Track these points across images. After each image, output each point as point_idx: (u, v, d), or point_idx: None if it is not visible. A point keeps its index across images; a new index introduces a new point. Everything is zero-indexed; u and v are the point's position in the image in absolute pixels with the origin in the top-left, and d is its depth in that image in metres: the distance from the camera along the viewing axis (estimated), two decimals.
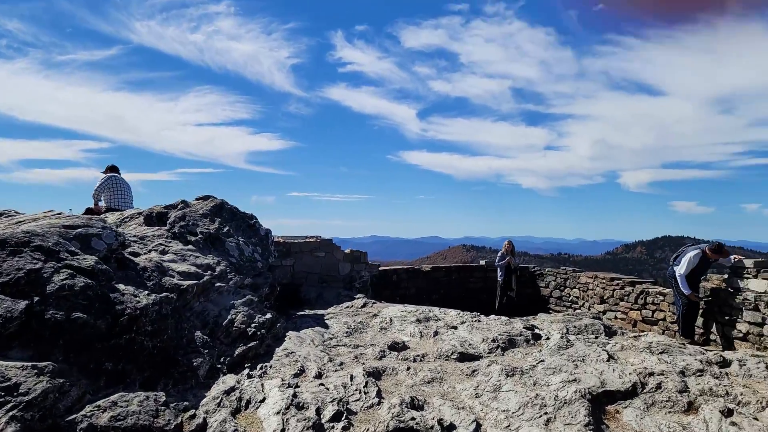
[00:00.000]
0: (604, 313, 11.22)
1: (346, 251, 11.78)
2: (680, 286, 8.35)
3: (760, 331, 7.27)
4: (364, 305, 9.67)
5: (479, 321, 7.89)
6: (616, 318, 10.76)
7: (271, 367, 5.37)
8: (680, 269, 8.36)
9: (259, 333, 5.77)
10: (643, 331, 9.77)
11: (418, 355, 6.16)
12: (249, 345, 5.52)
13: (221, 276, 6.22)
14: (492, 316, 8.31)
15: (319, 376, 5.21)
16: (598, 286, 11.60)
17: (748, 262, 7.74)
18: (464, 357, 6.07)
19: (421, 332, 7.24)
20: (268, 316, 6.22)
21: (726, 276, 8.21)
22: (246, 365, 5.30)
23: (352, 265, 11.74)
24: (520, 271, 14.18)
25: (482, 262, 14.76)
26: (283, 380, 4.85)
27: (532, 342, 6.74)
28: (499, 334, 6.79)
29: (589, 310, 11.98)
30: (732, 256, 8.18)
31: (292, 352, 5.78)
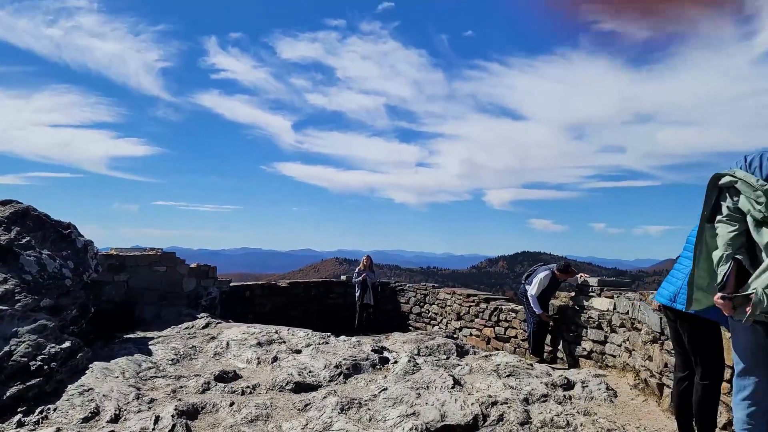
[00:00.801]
0: (460, 329, 11.11)
1: (191, 265, 10.71)
2: (532, 305, 8.32)
3: (602, 349, 7.33)
4: (206, 326, 8.74)
5: (327, 343, 7.29)
6: (471, 335, 10.66)
7: (55, 410, 4.36)
8: (531, 290, 8.34)
9: (47, 367, 4.73)
10: (496, 349, 9.71)
11: (249, 386, 5.41)
12: (29, 383, 4.47)
13: (3, 298, 5.08)
14: (342, 338, 7.75)
15: (115, 419, 4.29)
16: (455, 302, 11.49)
17: (593, 281, 7.83)
18: (301, 387, 5.42)
19: (259, 358, 6.50)
20: (66, 344, 5.18)
21: (573, 294, 8.29)
22: (19, 409, 4.25)
23: (198, 281, 10.69)
24: (381, 287, 13.84)
25: (343, 278, 14.26)
26: (59, 429, 3.90)
27: (378, 366, 6.24)
28: (344, 359, 6.22)
29: (446, 326, 11.84)
30: (578, 275, 8.29)
31: (90, 389, 4.79)
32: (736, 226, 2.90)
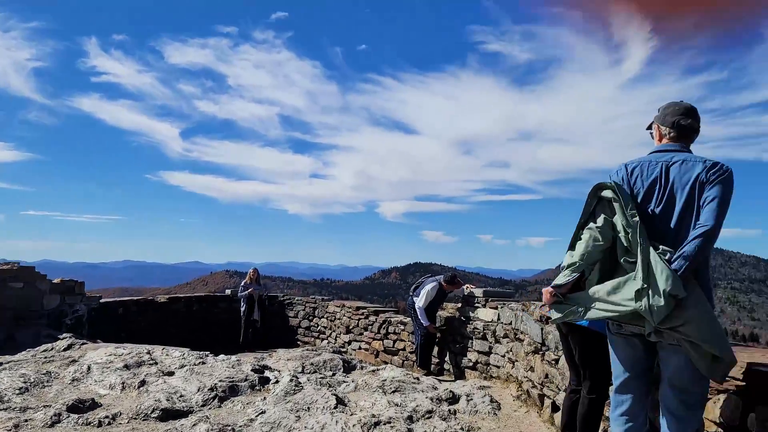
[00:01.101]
0: (349, 343, 10.88)
1: (55, 280, 9.71)
2: (419, 317, 8.26)
3: (486, 359, 7.38)
4: (68, 347, 7.92)
5: (204, 363, 6.78)
6: (360, 348, 10.46)
7: None
8: (419, 302, 8.28)
9: None
10: (385, 362, 9.57)
11: (108, 416, 4.84)
12: None
13: None
14: (221, 357, 7.25)
15: None
16: (345, 315, 11.26)
17: (478, 292, 7.89)
18: (169, 414, 4.92)
19: (124, 382, 5.89)
20: None
21: (460, 305, 8.32)
22: None
23: (62, 298, 9.70)
24: (269, 301, 13.34)
25: (228, 291, 13.59)
26: None
27: (258, 387, 5.85)
28: (221, 381, 5.77)
29: (336, 340, 11.58)
30: (465, 286, 8.34)
31: None
32: (601, 243, 2.88)
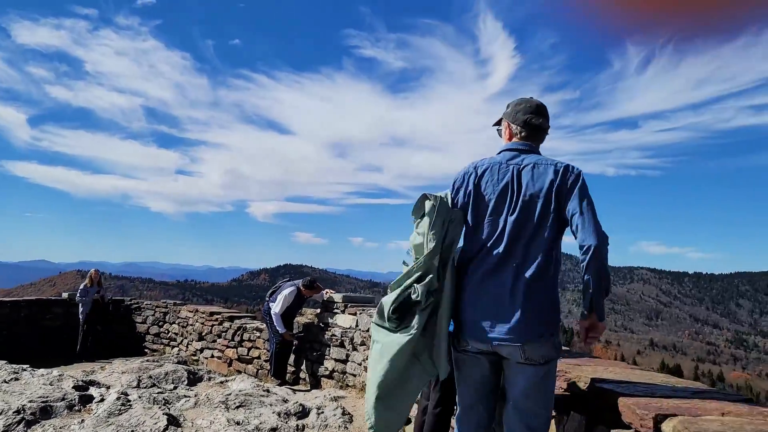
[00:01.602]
0: (201, 350, 10.11)
1: None
2: (275, 324, 7.77)
3: (343, 368, 7.07)
4: None
5: (17, 379, 5.83)
6: (213, 357, 9.74)
7: None
8: (275, 307, 7.80)
9: None
10: (238, 371, 8.97)
11: None
12: None
13: None
14: (41, 371, 6.30)
15: None
16: (198, 321, 10.46)
17: (338, 297, 7.58)
18: None
19: None
20: None
21: (318, 311, 7.96)
22: None
23: None
24: (113, 305, 12.14)
25: (65, 295, 12.15)
26: None
27: (77, 408, 5.07)
28: (32, 401, 4.93)
29: (187, 347, 10.73)
30: (324, 291, 8.00)
31: None
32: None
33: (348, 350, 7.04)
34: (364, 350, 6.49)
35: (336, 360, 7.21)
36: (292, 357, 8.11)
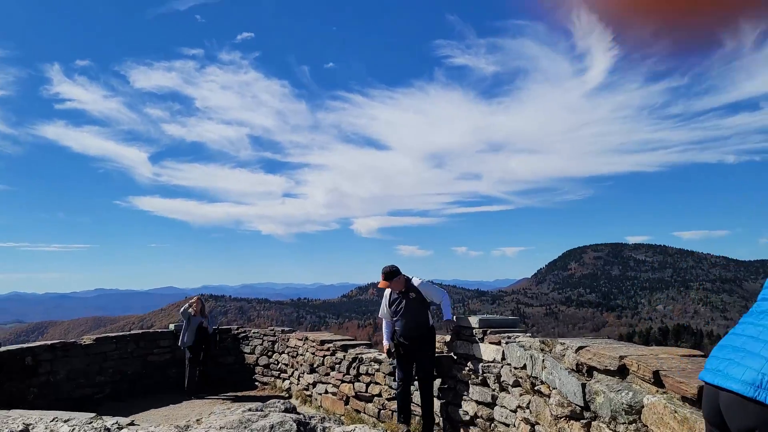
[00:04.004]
0: (314, 385, 8.93)
1: None
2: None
3: (489, 413, 5.50)
4: None
5: None
6: (327, 392, 8.51)
7: None
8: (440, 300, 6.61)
9: None
10: (357, 411, 7.66)
11: None
12: None
13: None
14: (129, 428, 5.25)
15: None
16: (308, 351, 9.31)
17: (473, 321, 6.03)
18: None
19: None
20: None
21: (448, 338, 6.46)
22: None
23: None
24: (220, 336, 11.32)
25: (171, 327, 11.48)
26: None
27: None
28: None
29: (299, 381, 9.61)
30: (451, 317, 6.43)
31: None
32: None
33: (494, 390, 5.46)
34: (521, 394, 4.88)
35: (478, 403, 5.66)
36: (416, 393, 6.62)
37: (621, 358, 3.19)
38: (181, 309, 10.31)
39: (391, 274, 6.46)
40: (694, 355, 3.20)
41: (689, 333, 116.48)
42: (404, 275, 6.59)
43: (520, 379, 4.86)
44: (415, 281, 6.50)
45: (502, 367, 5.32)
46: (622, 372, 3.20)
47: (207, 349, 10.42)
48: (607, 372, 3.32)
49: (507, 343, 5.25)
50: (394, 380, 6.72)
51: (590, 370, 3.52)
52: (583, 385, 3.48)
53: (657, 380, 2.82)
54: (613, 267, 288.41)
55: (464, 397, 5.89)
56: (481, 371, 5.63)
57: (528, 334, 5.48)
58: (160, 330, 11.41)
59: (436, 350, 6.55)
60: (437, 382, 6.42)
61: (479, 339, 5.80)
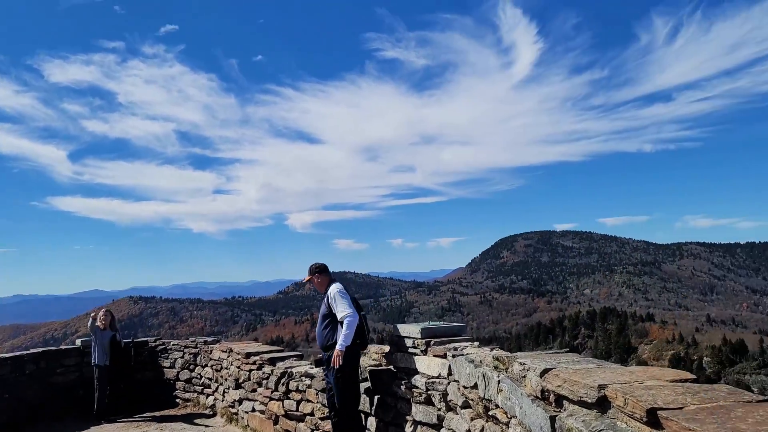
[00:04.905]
0: (240, 402, 8.07)
1: None
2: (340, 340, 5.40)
3: None
4: None
5: None
6: (254, 411, 7.67)
7: None
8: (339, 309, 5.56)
9: None
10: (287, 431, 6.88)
11: None
12: None
13: None
14: None
15: None
16: (233, 364, 8.43)
17: (412, 329, 5.35)
18: None
19: None
20: None
21: (387, 349, 5.78)
22: None
23: None
24: (135, 349, 10.22)
25: (78, 342, 10.25)
26: None
27: None
28: None
29: (224, 397, 8.72)
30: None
31: None
32: None
33: (440, 410, 4.81)
34: (470, 416, 4.24)
35: (422, 424, 4.98)
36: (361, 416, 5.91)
37: (601, 387, 2.58)
38: (89, 323, 9.19)
39: (312, 270, 5.85)
40: (685, 380, 2.64)
41: (615, 315, 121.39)
42: (327, 277, 5.86)
43: (470, 401, 4.22)
44: (332, 288, 5.71)
45: (449, 383, 4.68)
46: (601, 405, 2.59)
47: (120, 365, 9.34)
48: (582, 404, 2.71)
49: (454, 356, 4.61)
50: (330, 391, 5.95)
51: (560, 399, 2.91)
52: (552, 419, 2.87)
53: (653, 421, 2.22)
54: (542, 254, 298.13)
55: (407, 417, 5.22)
56: (424, 388, 4.97)
57: (476, 344, 4.87)
58: (64, 347, 10.20)
59: (374, 363, 5.86)
60: (373, 400, 5.73)
61: (422, 351, 5.15)
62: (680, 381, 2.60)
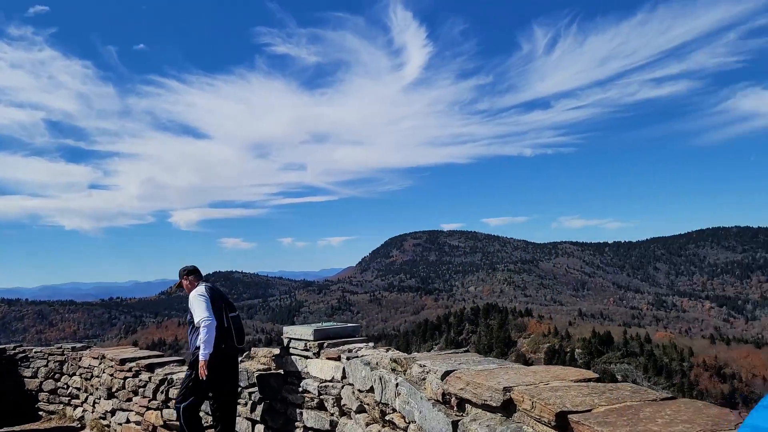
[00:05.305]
0: (113, 413, 7.37)
1: None
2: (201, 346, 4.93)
3: None
4: None
5: None
6: (129, 422, 7.02)
7: None
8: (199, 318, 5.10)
9: None
10: None
11: None
12: None
13: None
14: None
15: None
16: (105, 372, 7.69)
17: (304, 331, 5.09)
18: None
19: None
20: None
21: (277, 351, 5.46)
22: None
23: None
24: None
25: None
26: None
27: None
28: None
29: (93, 407, 7.94)
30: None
31: None
32: None
33: (333, 415, 4.57)
34: (365, 420, 4.03)
35: (314, 431, 4.73)
36: (245, 423, 5.54)
37: (506, 390, 2.45)
38: None
39: (181, 273, 5.54)
40: (589, 379, 2.58)
41: (497, 311, 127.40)
42: (196, 280, 5.44)
43: (366, 405, 4.02)
44: (192, 292, 5.35)
45: (342, 387, 4.45)
46: (507, 408, 2.46)
47: None
48: (486, 407, 2.57)
49: (349, 358, 4.39)
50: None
51: (462, 403, 2.77)
52: (455, 424, 2.72)
53: (563, 425, 2.11)
54: (430, 253, 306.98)
55: (297, 423, 4.93)
56: (317, 392, 4.70)
57: (371, 345, 4.69)
58: None
59: (262, 367, 5.52)
60: (260, 406, 5.39)
61: (315, 354, 4.88)
62: (584, 381, 2.54)
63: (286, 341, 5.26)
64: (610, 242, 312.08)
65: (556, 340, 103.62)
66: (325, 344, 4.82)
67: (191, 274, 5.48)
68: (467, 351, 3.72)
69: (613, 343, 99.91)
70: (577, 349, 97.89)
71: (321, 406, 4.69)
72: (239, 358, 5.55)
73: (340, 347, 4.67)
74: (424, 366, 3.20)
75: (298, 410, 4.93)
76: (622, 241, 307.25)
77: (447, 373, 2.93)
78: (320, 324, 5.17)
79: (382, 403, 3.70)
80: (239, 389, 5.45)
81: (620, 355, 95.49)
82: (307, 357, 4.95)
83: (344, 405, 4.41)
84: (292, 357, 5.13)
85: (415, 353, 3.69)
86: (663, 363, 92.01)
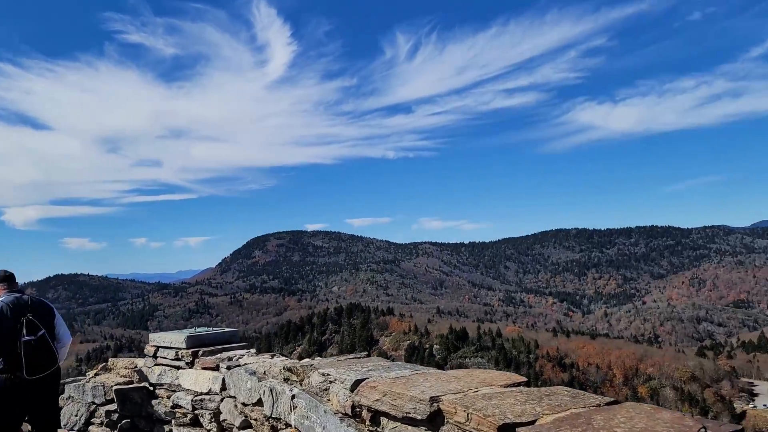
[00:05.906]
0: None
1: None
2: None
3: None
4: None
5: None
6: None
7: None
8: None
9: None
10: None
11: None
12: None
13: None
14: None
15: None
16: None
17: (177, 338, 4.49)
18: None
19: None
20: None
21: (141, 362, 4.78)
22: None
23: None
24: None
25: None
26: None
27: None
28: None
29: None
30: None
31: None
32: None
33: (210, 431, 4.04)
34: None
35: None
36: None
37: (433, 400, 2.17)
38: None
39: None
40: (518, 383, 2.37)
41: (360, 310, 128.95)
42: (1, 289, 4.47)
43: (253, 420, 3.56)
44: None
45: (222, 400, 3.94)
46: (433, 421, 2.18)
47: None
48: (408, 421, 2.27)
49: (229, 367, 3.89)
50: None
51: (376, 416, 2.44)
52: None
53: None
54: (294, 253, 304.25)
55: None
56: (191, 407, 4.14)
57: (253, 351, 4.22)
58: None
59: (122, 380, 4.81)
60: (119, 425, 4.69)
61: (188, 363, 4.31)
62: (514, 385, 2.32)
63: (152, 350, 4.60)
64: (466, 242, 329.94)
65: (416, 337, 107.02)
66: (200, 352, 4.27)
67: (2, 281, 4.35)
68: (369, 355, 3.41)
69: (468, 338, 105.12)
70: (435, 345, 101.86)
71: (196, 423, 4.13)
72: (61, 380, 4.63)
73: (218, 355, 4.15)
74: (327, 375, 2.83)
75: (167, 428, 4.32)
76: (477, 242, 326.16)
77: (358, 383, 2.59)
78: (194, 330, 4.59)
79: (273, 418, 3.27)
80: (62, 413, 4.63)
81: (474, 349, 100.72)
82: (178, 367, 4.35)
83: (224, 420, 3.90)
84: (161, 368, 4.50)
85: (313, 360, 3.30)
86: (512, 355, 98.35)
